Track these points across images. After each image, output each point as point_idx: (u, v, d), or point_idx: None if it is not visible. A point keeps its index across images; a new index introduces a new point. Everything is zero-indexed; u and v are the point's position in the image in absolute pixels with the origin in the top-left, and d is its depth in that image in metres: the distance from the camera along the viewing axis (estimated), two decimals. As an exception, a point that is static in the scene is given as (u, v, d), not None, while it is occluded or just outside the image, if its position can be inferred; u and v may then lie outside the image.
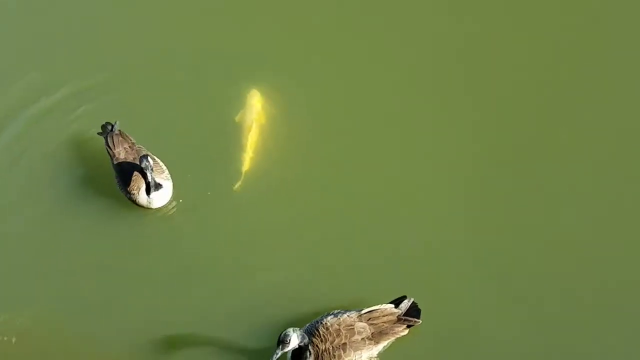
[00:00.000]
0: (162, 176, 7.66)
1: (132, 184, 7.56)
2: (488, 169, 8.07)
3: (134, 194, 7.60)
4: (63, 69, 8.69)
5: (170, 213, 7.82)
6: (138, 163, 7.45)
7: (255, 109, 8.33)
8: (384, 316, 7.06)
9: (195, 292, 7.50)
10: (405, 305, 7.15)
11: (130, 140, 7.84)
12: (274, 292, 7.45)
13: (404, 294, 7.20)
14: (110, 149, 7.73)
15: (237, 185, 7.97)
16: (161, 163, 7.79)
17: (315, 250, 7.66)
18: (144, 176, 7.42)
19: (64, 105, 8.48)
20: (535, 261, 7.59)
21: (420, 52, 8.79)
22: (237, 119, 8.33)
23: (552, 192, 7.93)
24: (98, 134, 7.96)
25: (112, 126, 7.87)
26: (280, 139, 8.25)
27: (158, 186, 7.53)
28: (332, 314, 7.05)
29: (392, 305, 7.14)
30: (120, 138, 7.78)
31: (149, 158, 7.37)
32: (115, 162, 7.70)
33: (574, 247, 7.65)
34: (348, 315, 7.03)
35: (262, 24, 8.97)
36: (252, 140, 8.15)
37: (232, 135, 8.23)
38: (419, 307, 7.16)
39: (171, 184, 7.73)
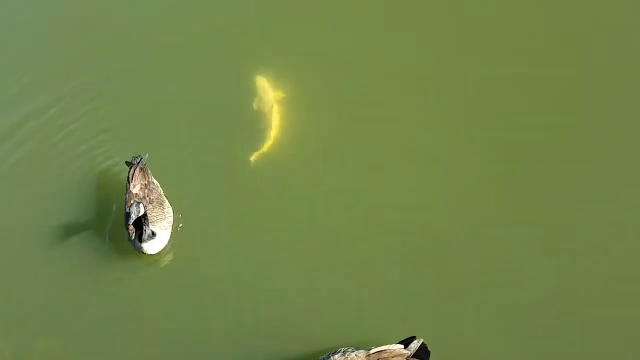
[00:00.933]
0: (161, 224, 7.53)
1: (129, 226, 7.45)
2: (503, 204, 7.95)
3: (130, 234, 7.49)
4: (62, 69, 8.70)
5: (165, 263, 7.71)
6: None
7: (269, 92, 8.48)
8: (393, 357, 6.90)
9: (197, 331, 7.33)
10: (414, 346, 6.99)
11: (149, 178, 7.73)
12: (279, 327, 7.30)
13: (414, 335, 7.05)
14: (129, 181, 7.61)
15: (253, 158, 8.14)
16: (167, 209, 7.68)
17: (321, 287, 7.52)
18: (136, 223, 7.29)
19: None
20: (542, 297, 7.47)
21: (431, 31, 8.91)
22: (255, 106, 8.40)
23: (561, 227, 7.79)
24: (126, 163, 7.85)
25: (141, 159, 7.74)
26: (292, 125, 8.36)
27: (150, 236, 7.38)
28: (340, 352, 6.89)
29: (402, 346, 6.98)
30: (142, 173, 7.67)
31: (140, 206, 7.19)
32: (127, 195, 7.56)
33: (581, 282, 7.53)
34: (356, 355, 6.86)
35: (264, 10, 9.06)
36: (276, 119, 8.29)
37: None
38: (429, 349, 7.02)
39: (169, 233, 7.60)
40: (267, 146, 8.18)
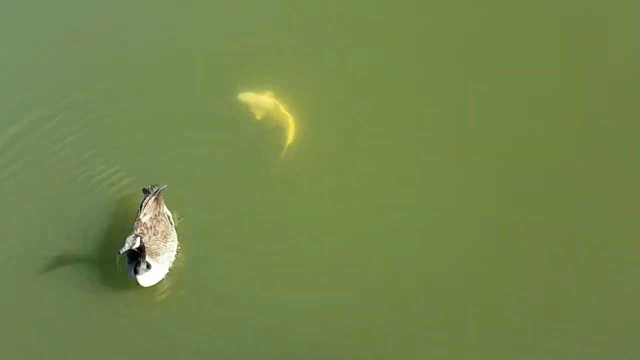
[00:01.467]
0: (159, 257, 7.44)
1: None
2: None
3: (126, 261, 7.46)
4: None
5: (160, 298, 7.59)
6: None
7: (260, 97, 8.48)
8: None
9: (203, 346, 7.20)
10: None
11: (160, 208, 7.66)
12: (283, 339, 7.13)
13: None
14: (141, 208, 7.58)
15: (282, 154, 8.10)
16: (170, 243, 7.56)
17: (322, 317, 7.25)
18: (132, 253, 7.22)
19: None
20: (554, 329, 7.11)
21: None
22: (258, 117, 8.36)
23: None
24: (143, 190, 7.79)
25: (159, 189, 7.72)
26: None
27: (144, 269, 7.28)
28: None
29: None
30: (155, 204, 7.66)
31: (137, 240, 7.14)
32: (136, 222, 7.48)
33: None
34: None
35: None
36: (282, 114, 8.30)
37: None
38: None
39: (166, 268, 7.51)
40: (291, 136, 8.17)
